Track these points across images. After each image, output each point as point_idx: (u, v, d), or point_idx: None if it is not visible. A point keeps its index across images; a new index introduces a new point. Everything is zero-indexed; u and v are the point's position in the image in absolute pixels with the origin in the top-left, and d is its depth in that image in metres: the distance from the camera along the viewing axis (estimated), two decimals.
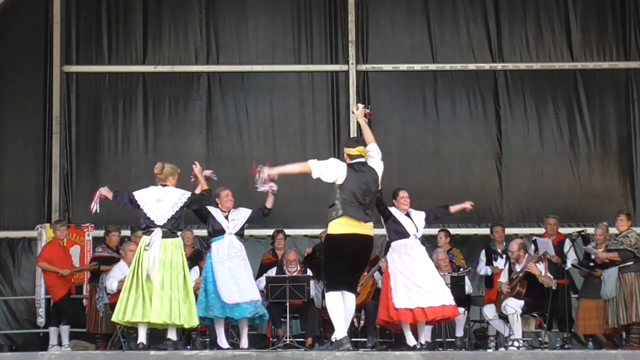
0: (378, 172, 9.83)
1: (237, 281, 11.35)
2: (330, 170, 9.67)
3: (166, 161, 10.53)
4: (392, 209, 11.27)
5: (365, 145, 9.90)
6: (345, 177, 9.64)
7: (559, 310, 12.77)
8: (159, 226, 10.43)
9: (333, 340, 9.72)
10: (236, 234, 11.52)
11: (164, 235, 10.42)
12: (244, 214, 11.67)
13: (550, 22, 15.99)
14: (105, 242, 13.52)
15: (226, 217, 11.54)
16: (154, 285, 10.26)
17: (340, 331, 9.56)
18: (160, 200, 10.51)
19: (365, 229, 9.64)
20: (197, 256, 13.24)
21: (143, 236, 10.56)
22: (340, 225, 9.59)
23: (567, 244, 13.19)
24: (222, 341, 11.40)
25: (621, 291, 12.22)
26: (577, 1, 15.99)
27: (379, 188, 9.98)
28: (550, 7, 16.01)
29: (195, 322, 10.55)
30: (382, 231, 11.35)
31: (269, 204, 11.70)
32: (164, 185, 10.62)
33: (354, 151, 9.82)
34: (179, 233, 10.65)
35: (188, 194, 10.67)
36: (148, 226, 10.49)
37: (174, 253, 10.43)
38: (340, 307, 9.57)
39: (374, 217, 9.87)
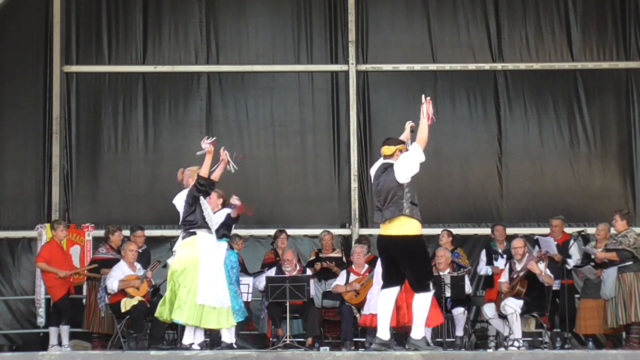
0: (395, 167, 9.59)
1: None
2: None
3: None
4: None
5: (395, 144, 9.82)
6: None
7: (561, 310, 12.77)
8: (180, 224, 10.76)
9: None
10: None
11: (183, 237, 10.67)
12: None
13: (550, 22, 15.98)
14: (108, 243, 13.46)
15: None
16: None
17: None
18: (177, 200, 10.83)
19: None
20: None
21: None
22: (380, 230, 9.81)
23: (571, 243, 13.16)
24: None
25: (620, 291, 12.20)
26: (577, 1, 15.98)
27: (399, 183, 9.56)
28: (550, 7, 16.00)
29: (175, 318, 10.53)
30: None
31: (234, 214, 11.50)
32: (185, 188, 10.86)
33: (382, 152, 9.90)
34: (198, 231, 10.62)
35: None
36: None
37: (190, 253, 10.53)
38: (384, 305, 9.71)
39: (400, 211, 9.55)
